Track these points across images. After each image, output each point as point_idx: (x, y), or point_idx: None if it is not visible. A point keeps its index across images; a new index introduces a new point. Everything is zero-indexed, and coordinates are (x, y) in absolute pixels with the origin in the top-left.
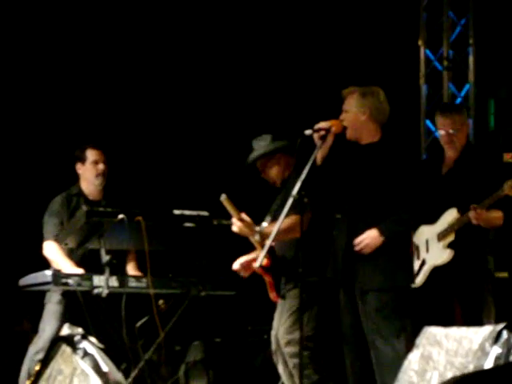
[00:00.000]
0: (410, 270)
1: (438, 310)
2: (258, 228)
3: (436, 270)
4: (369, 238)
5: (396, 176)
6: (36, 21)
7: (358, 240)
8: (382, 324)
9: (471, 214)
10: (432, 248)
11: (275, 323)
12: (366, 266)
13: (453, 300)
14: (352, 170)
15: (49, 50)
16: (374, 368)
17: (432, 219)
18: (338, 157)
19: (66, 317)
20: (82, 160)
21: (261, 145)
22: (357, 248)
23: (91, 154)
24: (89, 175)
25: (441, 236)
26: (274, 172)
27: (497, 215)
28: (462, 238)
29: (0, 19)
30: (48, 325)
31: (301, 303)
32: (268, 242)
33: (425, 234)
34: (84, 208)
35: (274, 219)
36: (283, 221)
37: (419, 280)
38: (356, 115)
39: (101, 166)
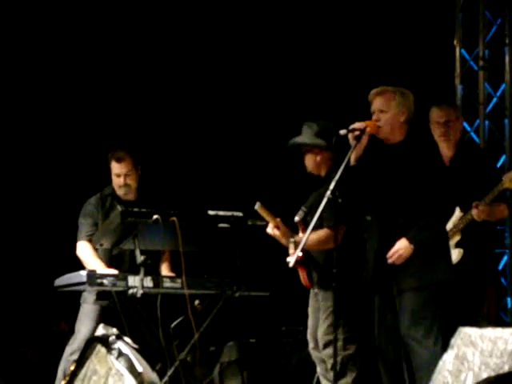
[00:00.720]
0: (449, 264)
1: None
2: (291, 239)
3: None
4: (401, 249)
5: (423, 176)
6: (64, 21)
7: (390, 253)
8: (419, 325)
9: (474, 211)
10: None
11: (310, 322)
12: (401, 267)
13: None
14: (381, 170)
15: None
16: (411, 370)
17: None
18: (370, 157)
19: (102, 317)
20: (110, 167)
21: (306, 133)
22: (390, 260)
23: (114, 167)
24: (114, 183)
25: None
26: (310, 163)
27: (501, 208)
28: (468, 236)
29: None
30: (83, 325)
31: (335, 303)
32: (298, 250)
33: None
34: (119, 208)
35: (306, 220)
36: (317, 232)
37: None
38: (396, 116)
39: (121, 180)
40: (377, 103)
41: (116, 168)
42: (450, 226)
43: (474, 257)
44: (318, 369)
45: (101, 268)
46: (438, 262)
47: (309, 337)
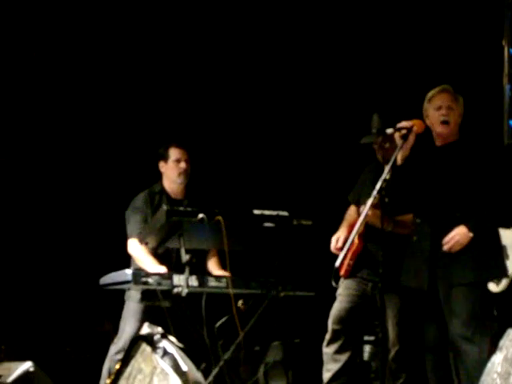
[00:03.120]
0: (502, 263)
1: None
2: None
3: None
4: (458, 234)
5: (483, 171)
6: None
7: (447, 238)
8: (468, 327)
9: None
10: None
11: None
12: (454, 264)
13: None
14: (434, 171)
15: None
16: (459, 371)
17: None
18: (418, 158)
19: (146, 316)
20: (165, 158)
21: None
22: (446, 247)
23: (174, 153)
24: (171, 173)
25: None
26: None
27: None
28: None
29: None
30: (128, 325)
31: (381, 304)
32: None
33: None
34: (164, 207)
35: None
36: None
37: (501, 286)
38: (460, 115)
39: (183, 165)
40: (446, 100)
41: (177, 153)
42: None
43: None
44: (334, 366)
45: (153, 265)
46: (492, 259)
47: (335, 321)
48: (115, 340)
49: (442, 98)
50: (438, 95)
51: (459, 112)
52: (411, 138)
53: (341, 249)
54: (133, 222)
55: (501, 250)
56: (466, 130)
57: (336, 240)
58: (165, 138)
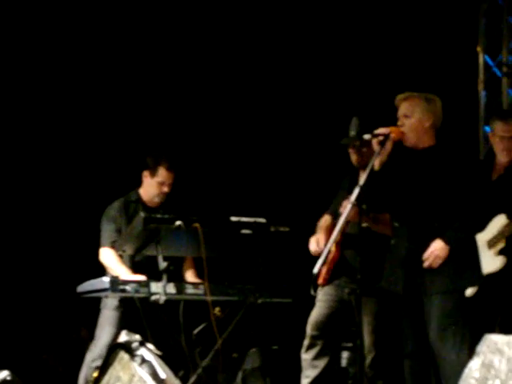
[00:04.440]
0: (478, 270)
1: (483, 318)
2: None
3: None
4: (436, 249)
5: (457, 180)
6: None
7: (426, 254)
8: (446, 331)
9: None
10: (483, 256)
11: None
12: (430, 271)
13: (498, 308)
14: (411, 176)
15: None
16: (437, 376)
17: (481, 226)
18: (395, 163)
19: (122, 323)
20: (152, 173)
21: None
22: (427, 263)
23: (162, 174)
24: (151, 190)
25: (491, 243)
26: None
27: None
28: None
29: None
30: (104, 332)
31: (358, 310)
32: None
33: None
34: (142, 214)
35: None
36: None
37: (471, 291)
38: (420, 121)
39: (165, 189)
40: (402, 108)
41: (165, 176)
42: (494, 232)
43: None
44: (312, 372)
45: (126, 274)
46: (468, 267)
47: (313, 327)
48: (91, 347)
49: (399, 107)
50: (398, 105)
51: (420, 117)
52: (388, 145)
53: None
54: (106, 231)
55: (477, 258)
56: (442, 135)
57: (316, 242)
58: (139, 144)
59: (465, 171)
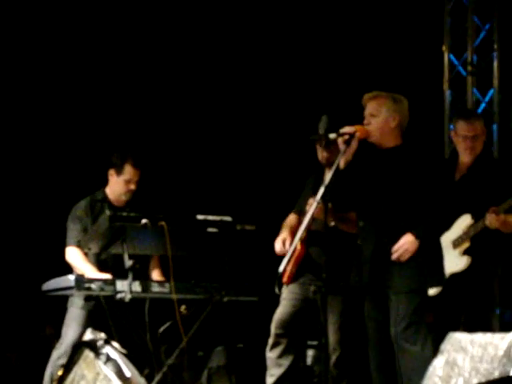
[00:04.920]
0: (441, 271)
1: (448, 316)
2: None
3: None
4: (406, 243)
5: (423, 179)
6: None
7: (396, 247)
8: (409, 329)
9: (490, 217)
10: (448, 255)
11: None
12: (396, 270)
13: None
14: (377, 175)
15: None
16: (401, 373)
17: (445, 226)
18: (361, 163)
19: (89, 322)
20: (117, 171)
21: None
22: (395, 255)
23: (128, 172)
24: (118, 188)
25: (456, 243)
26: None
27: None
28: (477, 244)
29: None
30: (70, 330)
31: (323, 308)
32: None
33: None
34: (107, 213)
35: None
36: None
37: (435, 290)
38: (386, 120)
39: (132, 186)
40: (369, 108)
41: (131, 173)
42: (459, 232)
43: (482, 264)
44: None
45: (92, 272)
46: (432, 267)
47: (278, 325)
48: (57, 345)
49: (366, 106)
50: (365, 104)
51: (386, 116)
52: (354, 144)
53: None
54: (71, 230)
55: (441, 259)
56: (408, 134)
57: (282, 242)
58: (104, 143)
59: (430, 171)
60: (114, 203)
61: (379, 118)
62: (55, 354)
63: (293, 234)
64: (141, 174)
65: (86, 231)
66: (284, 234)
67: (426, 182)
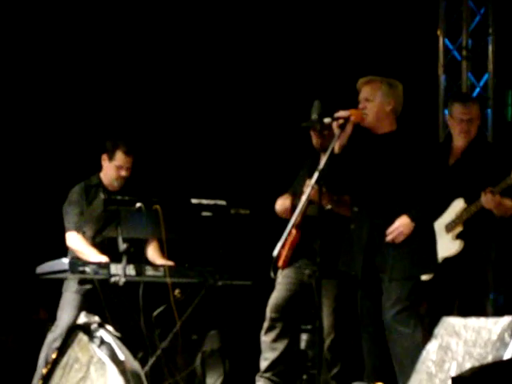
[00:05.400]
0: (435, 258)
1: (442, 301)
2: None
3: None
4: (402, 225)
5: (418, 164)
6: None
7: (391, 229)
8: (402, 313)
9: (486, 197)
10: (441, 240)
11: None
12: (390, 256)
13: (456, 292)
14: (371, 160)
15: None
16: (391, 356)
17: (440, 210)
18: (355, 147)
19: (84, 306)
20: (110, 156)
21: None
22: (390, 237)
23: (119, 158)
24: (110, 174)
25: (449, 227)
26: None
27: (508, 203)
28: (470, 228)
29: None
30: (65, 313)
31: (317, 292)
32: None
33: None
34: (102, 196)
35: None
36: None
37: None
38: (381, 105)
39: (123, 173)
40: (363, 92)
41: (122, 160)
42: (452, 216)
43: (475, 249)
44: (271, 354)
45: (95, 256)
46: (426, 254)
47: (273, 309)
48: (52, 328)
49: (361, 91)
50: (360, 88)
51: (381, 100)
52: (348, 128)
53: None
54: (70, 215)
55: (435, 245)
56: (402, 119)
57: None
58: (100, 129)
59: (424, 155)
60: (109, 188)
61: (374, 103)
62: (50, 336)
63: (288, 209)
64: (133, 161)
65: (80, 215)
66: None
67: (420, 167)
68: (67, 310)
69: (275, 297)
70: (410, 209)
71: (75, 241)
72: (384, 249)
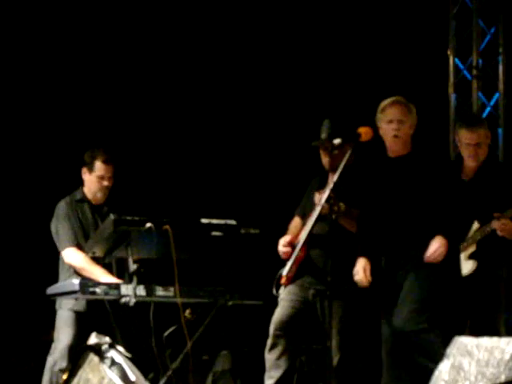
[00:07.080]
0: (458, 271)
1: (454, 321)
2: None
3: None
4: (441, 245)
5: (442, 184)
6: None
7: (430, 251)
8: (423, 321)
9: (496, 223)
10: None
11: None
12: (411, 275)
13: (468, 311)
14: (389, 182)
15: (58, 51)
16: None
17: (466, 229)
18: (369, 169)
19: (81, 322)
20: (89, 169)
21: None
22: (430, 259)
23: (99, 168)
24: (92, 186)
25: (462, 247)
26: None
27: None
28: (482, 248)
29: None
30: (62, 334)
31: (329, 312)
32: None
33: None
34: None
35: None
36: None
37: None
38: (411, 127)
39: (105, 183)
40: (395, 113)
41: (102, 169)
42: (467, 237)
43: (488, 268)
44: (276, 373)
45: (104, 275)
46: (448, 267)
47: (277, 326)
48: (51, 350)
49: (393, 112)
50: (390, 108)
51: (410, 124)
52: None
53: (288, 245)
54: (64, 230)
55: (458, 260)
56: (413, 139)
57: (284, 242)
58: (89, 143)
59: (447, 175)
60: (93, 202)
61: (407, 124)
62: (50, 359)
63: (295, 238)
64: (113, 170)
65: (75, 228)
66: (286, 236)
67: (445, 186)
68: (64, 331)
69: (279, 313)
70: (438, 228)
71: (76, 258)
72: (404, 270)
